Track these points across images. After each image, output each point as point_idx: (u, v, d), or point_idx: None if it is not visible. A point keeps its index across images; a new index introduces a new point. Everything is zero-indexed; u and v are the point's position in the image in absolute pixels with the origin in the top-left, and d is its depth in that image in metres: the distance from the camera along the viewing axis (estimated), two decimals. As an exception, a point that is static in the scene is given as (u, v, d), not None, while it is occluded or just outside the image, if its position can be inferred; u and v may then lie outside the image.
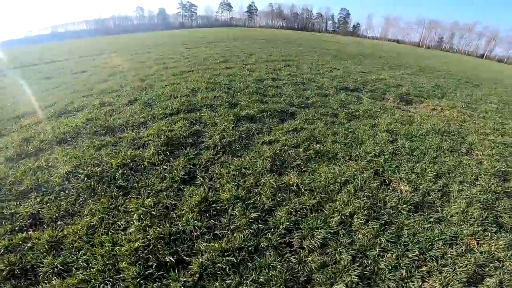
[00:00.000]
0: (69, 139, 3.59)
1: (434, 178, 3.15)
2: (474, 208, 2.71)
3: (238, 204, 2.50)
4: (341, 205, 2.57)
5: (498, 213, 2.73)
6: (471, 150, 4.05)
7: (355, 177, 3.00)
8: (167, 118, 4.04)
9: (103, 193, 2.61)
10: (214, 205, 2.49)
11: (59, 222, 2.30)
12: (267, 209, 2.48)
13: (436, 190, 2.93)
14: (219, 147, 3.39)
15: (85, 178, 2.79)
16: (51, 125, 4.01)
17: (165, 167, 3.00)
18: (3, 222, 2.33)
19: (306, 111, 4.72)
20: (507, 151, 4.13)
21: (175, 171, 2.92)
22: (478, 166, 3.56)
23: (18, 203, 2.53)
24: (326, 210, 2.51)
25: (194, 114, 4.17)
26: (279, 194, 2.66)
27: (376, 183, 2.94)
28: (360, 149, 3.61)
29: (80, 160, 3.07)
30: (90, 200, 2.53)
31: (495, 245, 2.31)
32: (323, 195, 2.69)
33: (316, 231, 2.26)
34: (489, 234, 2.42)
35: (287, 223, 2.33)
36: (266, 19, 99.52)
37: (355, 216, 2.47)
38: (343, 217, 2.44)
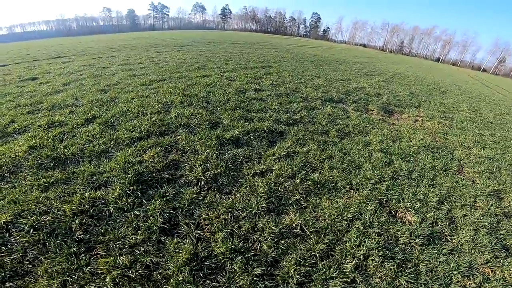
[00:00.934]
0: (7, 175, 2.75)
1: (437, 204, 3.00)
2: (482, 235, 2.63)
3: (237, 258, 2.04)
4: (352, 247, 2.26)
5: (502, 236, 2.68)
6: (462, 168, 4.01)
7: (362, 211, 2.68)
8: (135, 144, 3.34)
9: (58, 250, 1.99)
10: (207, 261, 2.01)
11: (8, 284, 1.79)
12: (271, 261, 2.07)
13: (443, 218, 2.78)
14: (203, 182, 2.82)
15: (31, 230, 2.12)
16: (-20, 156, 3.10)
17: (137, 213, 2.36)
18: None
19: (295, 129, 4.30)
20: (493, 166, 4.15)
21: (151, 218, 2.32)
22: (473, 186, 3.51)
23: None
24: (337, 255, 2.19)
25: (168, 138, 3.52)
26: (282, 241, 2.25)
27: (383, 216, 2.66)
28: (359, 175, 3.30)
29: (22, 205, 2.33)
30: (42, 258, 1.93)
31: (507, 272, 2.28)
32: (331, 237, 2.34)
33: (331, 282, 1.96)
34: (501, 261, 2.37)
35: (298, 276, 1.97)
36: (240, 22, 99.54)
37: (369, 258, 2.19)
38: (357, 261, 2.15)
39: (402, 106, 7.08)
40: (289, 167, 3.22)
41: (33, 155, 3.03)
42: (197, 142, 3.48)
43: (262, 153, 3.49)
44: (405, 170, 3.57)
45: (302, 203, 2.71)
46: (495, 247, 2.50)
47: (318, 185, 2.97)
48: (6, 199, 2.41)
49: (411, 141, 4.65)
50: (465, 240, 2.52)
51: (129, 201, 2.47)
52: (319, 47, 29.10)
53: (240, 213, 2.48)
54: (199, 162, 3.10)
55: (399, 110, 6.68)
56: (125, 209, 2.40)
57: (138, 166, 2.91)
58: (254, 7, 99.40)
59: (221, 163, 3.12)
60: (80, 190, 2.55)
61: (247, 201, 2.62)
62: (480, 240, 2.56)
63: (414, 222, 2.67)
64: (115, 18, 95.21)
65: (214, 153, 3.30)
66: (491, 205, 3.12)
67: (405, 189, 3.16)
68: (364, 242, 2.32)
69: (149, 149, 3.23)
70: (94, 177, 2.74)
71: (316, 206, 2.68)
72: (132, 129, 3.67)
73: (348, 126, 4.82)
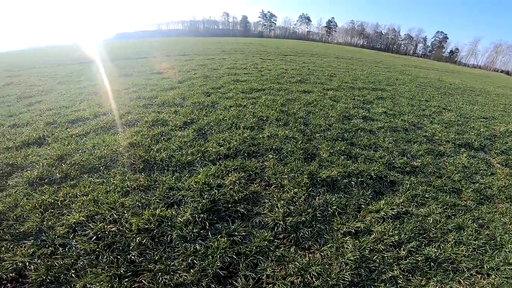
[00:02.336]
0: (101, 168, 2.91)
1: None
2: None
3: None
4: None
5: None
6: None
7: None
8: (219, 162, 3.05)
9: (107, 267, 1.81)
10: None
11: (42, 288, 1.66)
12: None
13: None
14: (280, 229, 2.25)
15: (93, 238, 2.04)
16: (93, 142, 3.45)
17: (198, 247, 2.00)
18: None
19: (412, 180, 3.18)
20: None
21: (210, 257, 1.92)
22: None
23: (11, 246, 1.97)
24: None
25: (255, 162, 3.08)
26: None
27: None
28: (498, 257, 2.20)
29: (98, 207, 2.31)
30: (89, 270, 1.78)
31: None
32: None
33: None
34: None
35: None
36: (346, 36, 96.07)
37: None
38: None
39: None
40: (395, 232, 2.33)
41: (129, 153, 3.13)
42: (286, 176, 2.90)
43: (362, 207, 2.64)
44: None
45: (399, 281, 1.92)
46: None
47: (431, 263, 2.10)
48: (90, 196, 2.44)
49: None
50: None
51: (194, 230, 2.14)
52: (444, 70, 24.26)
53: (314, 279, 1.85)
54: (282, 202, 2.52)
55: None
56: (188, 238, 2.08)
57: (216, 191, 2.56)
58: (363, 22, 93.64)
59: (308, 210, 2.47)
60: (154, 204, 2.39)
61: (327, 265, 1.96)
62: None
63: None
64: (231, 23, 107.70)
65: (303, 194, 2.65)
66: None
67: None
68: None
69: (232, 172, 2.86)
70: (171, 192, 2.54)
71: (417, 290, 1.83)
72: (221, 143, 3.43)
73: (492, 188, 3.31)
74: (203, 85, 6.56)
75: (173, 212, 2.30)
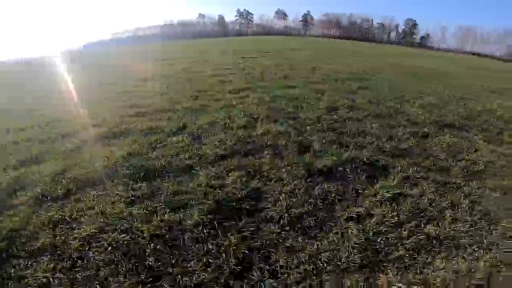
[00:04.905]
0: (105, 180, 2.92)
1: None
2: None
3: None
4: None
5: None
6: None
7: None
8: (218, 164, 3.13)
9: (127, 274, 1.85)
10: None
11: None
12: None
13: None
14: (285, 221, 2.35)
15: (108, 248, 2.06)
16: (89, 155, 3.44)
17: (210, 246, 2.08)
18: (9, 284, 1.83)
19: (402, 162, 3.36)
20: None
21: (224, 255, 2.00)
22: None
23: (29, 264, 1.98)
24: None
25: (253, 160, 3.19)
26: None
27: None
28: (495, 232, 2.34)
29: (107, 218, 2.34)
30: (111, 279, 1.82)
31: None
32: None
33: None
34: None
35: None
36: (322, 28, 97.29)
37: None
38: None
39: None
40: (394, 213, 2.47)
41: (129, 163, 3.16)
42: (283, 169, 3.02)
43: (360, 191, 2.79)
44: None
45: (406, 260, 2.04)
46: None
47: (433, 241, 2.23)
48: (96, 209, 2.46)
49: None
50: None
51: (204, 231, 2.22)
52: (419, 56, 25.25)
53: (325, 265, 1.96)
54: (283, 195, 2.64)
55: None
56: (199, 240, 2.15)
57: (219, 191, 2.65)
58: (337, 14, 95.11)
59: (309, 200, 2.59)
60: (160, 210, 2.44)
61: (335, 251, 2.08)
62: None
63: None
64: (209, 24, 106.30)
65: (302, 186, 2.78)
66: None
67: None
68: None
69: (232, 172, 2.95)
70: (176, 197, 2.60)
71: (424, 267, 2.00)
72: (217, 145, 3.51)
73: (478, 164, 3.49)
74: (190, 89, 6.59)
75: (181, 216, 2.35)
